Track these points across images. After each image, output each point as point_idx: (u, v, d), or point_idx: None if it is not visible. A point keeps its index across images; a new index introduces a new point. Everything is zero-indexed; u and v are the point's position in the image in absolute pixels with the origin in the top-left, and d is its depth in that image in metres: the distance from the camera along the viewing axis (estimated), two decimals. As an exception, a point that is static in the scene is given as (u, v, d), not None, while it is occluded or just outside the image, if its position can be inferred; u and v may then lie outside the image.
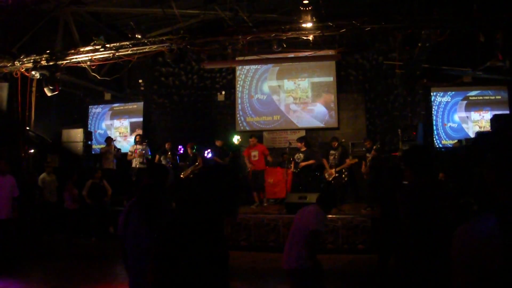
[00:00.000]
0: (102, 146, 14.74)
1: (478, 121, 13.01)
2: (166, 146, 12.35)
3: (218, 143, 12.55)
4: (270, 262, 8.52)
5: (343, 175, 11.40)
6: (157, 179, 3.29)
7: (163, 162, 12.05)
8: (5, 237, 8.46)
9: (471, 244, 1.49)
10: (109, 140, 13.15)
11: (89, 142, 13.72)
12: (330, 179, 11.21)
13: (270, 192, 12.60)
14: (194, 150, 12.13)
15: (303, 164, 11.21)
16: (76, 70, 11.76)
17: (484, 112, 12.97)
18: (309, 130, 15.13)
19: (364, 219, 9.33)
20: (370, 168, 10.84)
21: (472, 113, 13.08)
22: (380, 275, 6.47)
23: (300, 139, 11.86)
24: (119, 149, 13.66)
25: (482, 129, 12.43)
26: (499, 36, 8.61)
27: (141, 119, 15.66)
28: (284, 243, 5.10)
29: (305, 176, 11.27)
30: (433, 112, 13.11)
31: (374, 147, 10.94)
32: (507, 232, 1.43)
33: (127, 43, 10.26)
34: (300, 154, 11.40)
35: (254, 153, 12.06)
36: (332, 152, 11.52)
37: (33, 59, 10.71)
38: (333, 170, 11.18)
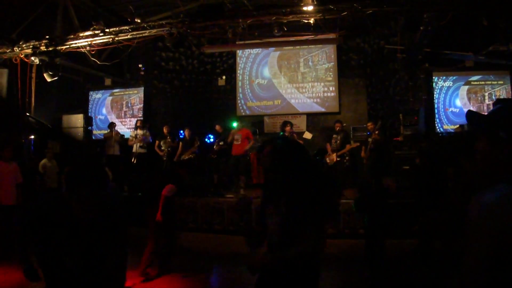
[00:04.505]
0: (104, 131, 14.72)
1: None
2: (164, 130, 12.30)
3: (217, 128, 12.53)
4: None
5: (345, 160, 11.38)
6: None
7: (163, 147, 12.05)
8: (9, 224, 8.51)
9: (488, 212, 1.48)
10: (111, 126, 13.07)
11: (90, 128, 13.66)
12: (332, 164, 11.19)
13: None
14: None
15: None
16: (76, 55, 11.69)
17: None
18: (310, 115, 15.09)
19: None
20: (370, 151, 10.81)
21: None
22: (371, 259, 6.44)
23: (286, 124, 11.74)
24: (122, 135, 13.52)
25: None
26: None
27: (141, 104, 15.63)
28: None
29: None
30: (434, 96, 13.06)
31: (377, 127, 10.91)
32: None
33: (127, 27, 10.19)
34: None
35: (237, 137, 11.57)
36: (334, 136, 11.48)
37: (32, 45, 10.67)
38: (334, 155, 11.14)
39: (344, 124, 12.31)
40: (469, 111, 1.72)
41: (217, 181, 12.18)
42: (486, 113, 1.76)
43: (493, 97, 12.74)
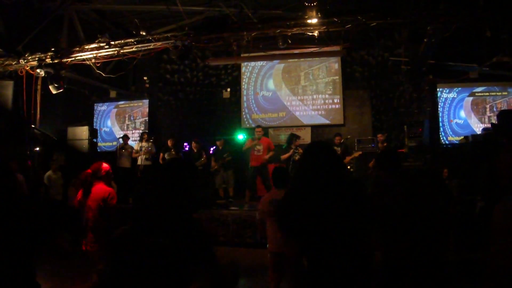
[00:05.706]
0: (108, 143, 14.74)
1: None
2: (169, 143, 12.23)
3: (218, 143, 12.39)
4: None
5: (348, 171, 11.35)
6: None
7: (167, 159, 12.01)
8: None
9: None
10: (125, 138, 13.03)
11: (95, 140, 13.64)
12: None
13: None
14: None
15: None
16: (81, 67, 11.74)
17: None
18: (315, 127, 15.10)
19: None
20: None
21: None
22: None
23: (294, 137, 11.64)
24: (132, 148, 13.40)
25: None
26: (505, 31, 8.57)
27: (144, 117, 15.64)
28: None
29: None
30: (439, 108, 13.02)
31: (383, 139, 10.92)
32: None
33: (132, 40, 10.23)
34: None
35: (259, 147, 11.39)
36: (335, 148, 11.46)
37: (38, 57, 10.72)
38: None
39: (349, 136, 12.32)
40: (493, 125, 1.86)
41: (224, 193, 12.14)
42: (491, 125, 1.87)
43: (494, 109, 12.70)
